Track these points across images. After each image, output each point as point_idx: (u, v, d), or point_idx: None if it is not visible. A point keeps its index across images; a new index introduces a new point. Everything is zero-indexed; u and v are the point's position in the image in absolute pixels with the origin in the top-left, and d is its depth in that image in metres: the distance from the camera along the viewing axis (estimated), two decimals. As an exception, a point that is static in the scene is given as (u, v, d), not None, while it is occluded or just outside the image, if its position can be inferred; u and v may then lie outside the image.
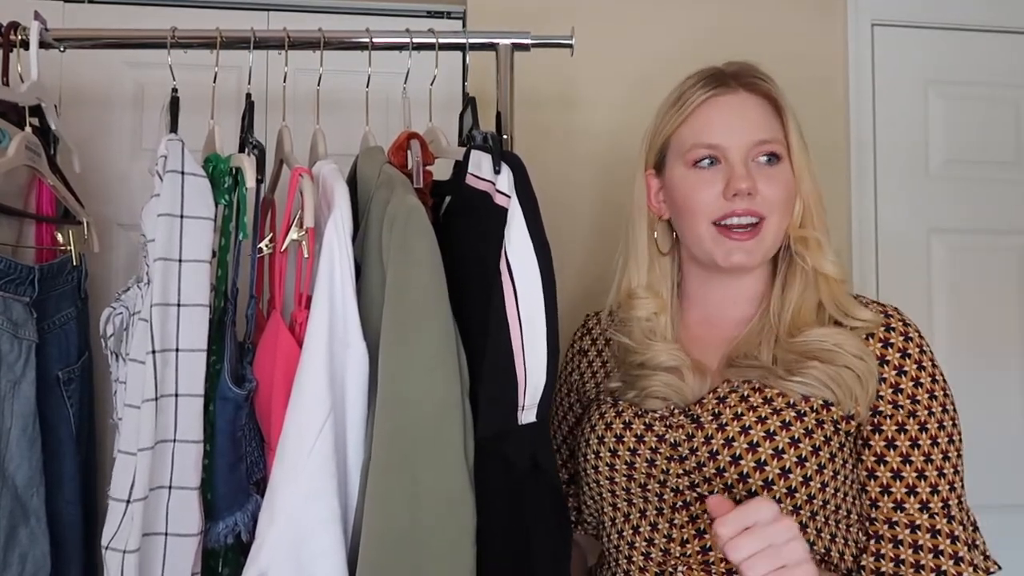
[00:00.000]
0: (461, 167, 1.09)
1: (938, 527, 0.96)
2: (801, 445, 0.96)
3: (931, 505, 0.97)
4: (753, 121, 1.05)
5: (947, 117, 1.79)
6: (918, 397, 0.99)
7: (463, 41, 1.23)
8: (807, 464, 0.96)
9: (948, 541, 0.95)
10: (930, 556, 0.95)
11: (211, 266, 1.02)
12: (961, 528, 0.97)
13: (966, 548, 0.96)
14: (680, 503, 1.01)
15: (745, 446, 0.97)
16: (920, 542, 0.96)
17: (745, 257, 1.03)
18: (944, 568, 0.94)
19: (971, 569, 0.95)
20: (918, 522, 0.97)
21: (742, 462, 0.97)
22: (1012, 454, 1.75)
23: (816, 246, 1.05)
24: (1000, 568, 0.99)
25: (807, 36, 1.75)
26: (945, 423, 0.99)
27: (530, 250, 0.98)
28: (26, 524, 1.11)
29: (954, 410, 1.01)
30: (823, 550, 0.98)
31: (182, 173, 1.00)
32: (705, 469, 0.99)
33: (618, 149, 1.65)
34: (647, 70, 1.68)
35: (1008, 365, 1.78)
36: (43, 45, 1.19)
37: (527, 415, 0.98)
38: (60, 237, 1.24)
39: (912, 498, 0.97)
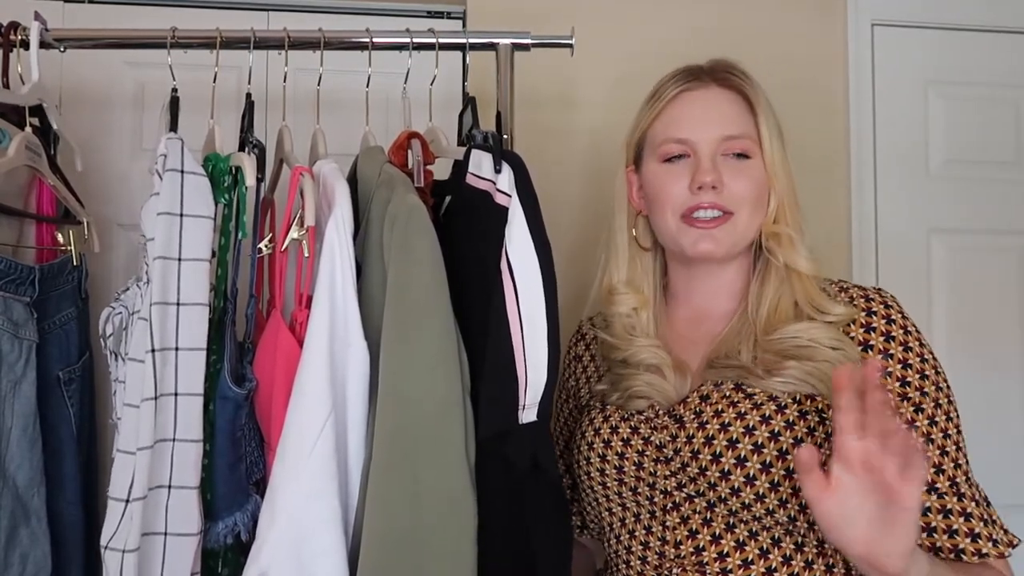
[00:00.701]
0: (461, 167, 1.09)
1: (948, 506, 0.93)
2: (781, 439, 0.95)
3: (938, 485, 0.94)
4: (723, 115, 1.05)
5: (947, 117, 1.79)
6: (908, 378, 0.97)
7: (463, 41, 1.23)
8: (788, 457, 0.94)
9: (961, 519, 0.93)
10: (945, 537, 0.93)
11: (211, 265, 1.02)
12: (974, 504, 0.94)
13: (981, 524, 0.93)
14: (670, 504, 1.01)
15: (724, 444, 0.96)
16: (932, 524, 0.93)
17: (712, 245, 1.03)
18: (962, 547, 0.92)
19: (990, 544, 0.92)
20: (926, 504, 0.94)
21: (722, 460, 0.96)
22: (1012, 454, 1.75)
23: (788, 242, 1.04)
24: (1021, 541, 0.96)
25: (807, 36, 1.75)
26: (940, 401, 0.97)
27: (531, 249, 0.98)
28: (27, 524, 1.11)
29: (948, 387, 0.99)
30: (817, 541, 0.97)
31: (181, 172, 1.00)
32: (689, 469, 0.98)
33: (618, 149, 1.65)
34: (647, 70, 1.66)
35: (1008, 365, 1.77)
36: (43, 45, 1.19)
37: (528, 414, 0.97)
38: (60, 237, 1.24)
39: None
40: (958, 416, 0.98)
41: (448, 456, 0.93)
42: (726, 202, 1.02)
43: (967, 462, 0.97)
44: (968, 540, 0.92)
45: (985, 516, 0.95)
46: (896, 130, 1.77)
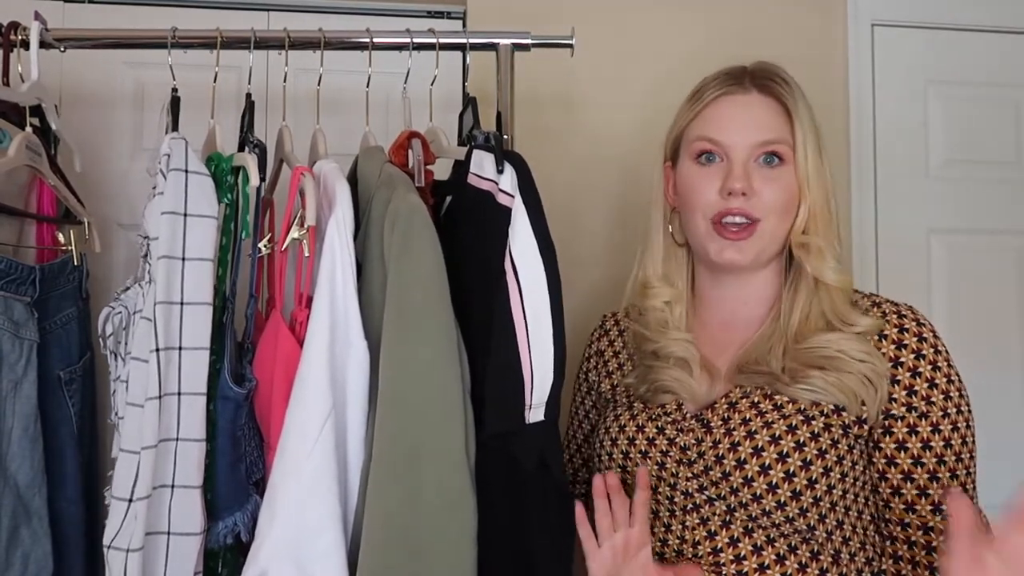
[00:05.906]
0: (462, 167, 1.09)
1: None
2: (806, 449, 0.96)
3: (943, 507, 0.96)
4: (760, 121, 1.04)
5: (947, 117, 1.80)
6: (932, 398, 0.98)
7: (463, 41, 1.23)
8: (811, 468, 0.96)
9: None
10: (943, 558, 0.93)
11: (214, 264, 1.02)
12: None
13: None
14: (690, 505, 1.01)
15: (750, 451, 0.97)
16: (933, 543, 0.96)
17: (736, 254, 1.03)
18: None
19: None
20: (930, 523, 0.96)
21: (746, 466, 0.97)
22: (1013, 454, 1.75)
23: (817, 253, 1.04)
24: None
25: (807, 36, 1.75)
26: (959, 424, 0.98)
27: (535, 249, 0.98)
28: (28, 524, 1.11)
29: (969, 411, 1.00)
30: (833, 551, 0.98)
31: (186, 171, 1.00)
32: (712, 473, 0.99)
33: (618, 148, 1.66)
34: (647, 70, 1.68)
35: (1008, 365, 1.78)
36: (43, 45, 1.19)
37: (535, 414, 0.97)
38: (61, 237, 1.24)
39: (924, 499, 0.97)
40: (974, 443, 0.99)
41: (448, 457, 0.93)
42: (753, 209, 1.02)
43: (974, 488, 0.99)
44: None
45: None
46: (896, 130, 1.77)
